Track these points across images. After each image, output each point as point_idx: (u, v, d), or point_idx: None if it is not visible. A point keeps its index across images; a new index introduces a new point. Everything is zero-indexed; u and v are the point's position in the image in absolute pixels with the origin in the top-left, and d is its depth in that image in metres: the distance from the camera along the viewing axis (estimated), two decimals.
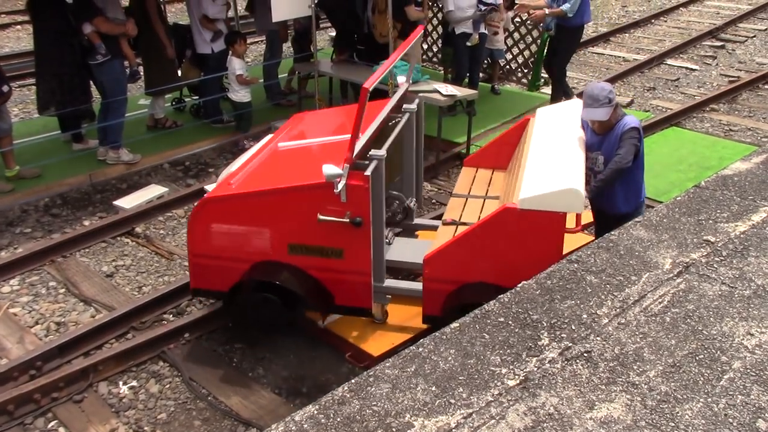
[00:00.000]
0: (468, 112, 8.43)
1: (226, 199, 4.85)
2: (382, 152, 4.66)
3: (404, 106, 5.65)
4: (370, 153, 4.67)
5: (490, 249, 4.48)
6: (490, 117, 9.17)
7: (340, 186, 4.46)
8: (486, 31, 9.31)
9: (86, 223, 6.89)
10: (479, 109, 9.07)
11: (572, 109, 5.43)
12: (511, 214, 4.36)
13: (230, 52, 8.36)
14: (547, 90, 10.30)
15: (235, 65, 8.28)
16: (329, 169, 4.38)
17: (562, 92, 8.91)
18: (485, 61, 10.07)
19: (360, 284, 4.81)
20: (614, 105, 4.90)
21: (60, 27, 7.39)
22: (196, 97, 9.40)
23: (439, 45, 10.87)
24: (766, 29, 13.54)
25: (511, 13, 9.94)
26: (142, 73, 8.60)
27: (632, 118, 5.03)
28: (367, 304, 4.86)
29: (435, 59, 11.28)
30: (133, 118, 8.58)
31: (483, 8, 8.98)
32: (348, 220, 4.57)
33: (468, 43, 9.07)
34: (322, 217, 4.60)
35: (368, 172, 4.51)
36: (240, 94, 8.43)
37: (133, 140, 8.16)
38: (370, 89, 4.28)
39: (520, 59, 10.55)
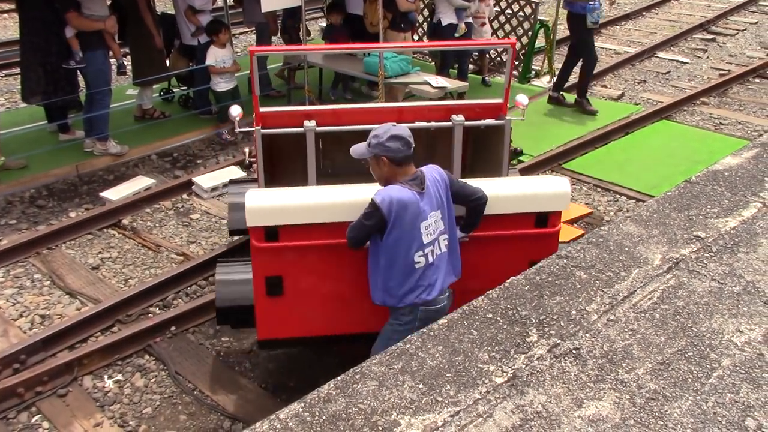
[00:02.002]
0: None
1: None
2: None
3: (453, 117, 5.02)
4: None
5: None
6: None
7: None
8: (472, 21, 9.27)
9: (72, 214, 6.82)
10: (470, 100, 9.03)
11: None
12: None
13: (211, 41, 8.26)
14: (538, 82, 10.29)
15: (208, 56, 8.18)
16: None
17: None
18: (474, 54, 10.03)
19: None
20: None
21: (46, 16, 7.29)
22: (185, 88, 9.31)
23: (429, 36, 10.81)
24: (756, 22, 13.54)
25: (491, 1, 9.89)
26: (129, 66, 8.50)
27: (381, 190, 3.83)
28: None
29: (426, 51, 11.22)
30: (120, 109, 8.50)
31: None
32: None
33: (456, 34, 9.03)
34: None
35: None
36: (218, 85, 8.35)
37: (120, 131, 8.08)
38: None
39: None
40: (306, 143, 4.95)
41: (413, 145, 3.81)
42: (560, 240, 5.40)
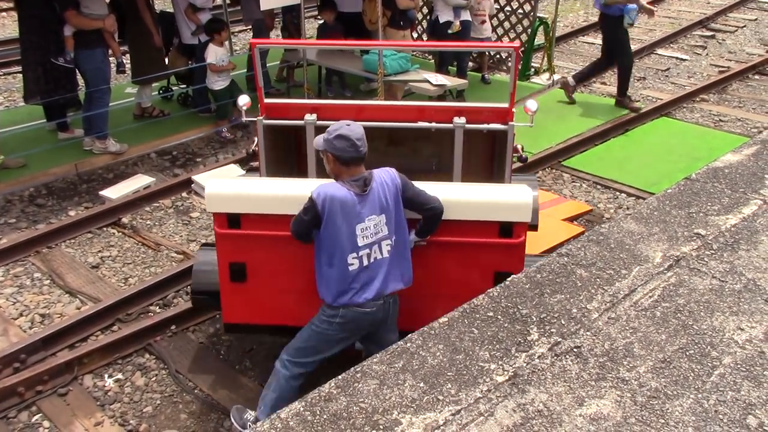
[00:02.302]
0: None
1: None
2: None
3: (455, 120, 4.96)
4: None
5: None
6: None
7: None
8: (470, 19, 9.26)
9: (72, 213, 6.81)
10: (469, 98, 9.03)
11: None
12: None
13: (211, 39, 8.25)
14: (538, 79, 10.28)
15: (208, 54, 8.18)
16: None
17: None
18: (474, 52, 10.02)
19: None
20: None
21: (45, 15, 7.28)
22: (184, 86, 9.30)
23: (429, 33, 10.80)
24: (756, 19, 13.53)
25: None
26: (128, 64, 8.49)
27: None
28: None
29: (425, 48, 11.21)
30: (119, 107, 8.49)
31: None
32: None
33: (449, 31, 9.03)
34: None
35: None
36: (215, 83, 8.34)
37: (119, 129, 8.08)
38: None
39: None
40: (313, 138, 4.97)
41: (363, 148, 3.75)
42: (562, 239, 5.40)
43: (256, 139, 5.03)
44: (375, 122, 5.09)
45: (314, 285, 3.97)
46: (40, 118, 8.12)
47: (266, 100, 5.06)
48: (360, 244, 3.75)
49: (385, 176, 3.84)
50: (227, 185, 4.29)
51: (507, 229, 4.09)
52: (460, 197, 4.12)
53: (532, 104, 4.86)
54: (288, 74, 9.80)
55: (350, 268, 3.77)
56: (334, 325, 3.88)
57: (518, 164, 5.49)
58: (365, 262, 3.78)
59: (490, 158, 5.37)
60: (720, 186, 4.40)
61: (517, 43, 4.78)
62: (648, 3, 8.97)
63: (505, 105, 4.89)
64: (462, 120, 4.88)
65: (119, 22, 7.84)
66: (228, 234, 4.19)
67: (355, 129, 3.77)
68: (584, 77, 9.41)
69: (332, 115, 5.05)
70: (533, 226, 5.35)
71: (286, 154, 5.50)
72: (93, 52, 7.43)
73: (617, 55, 8.98)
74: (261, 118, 4.92)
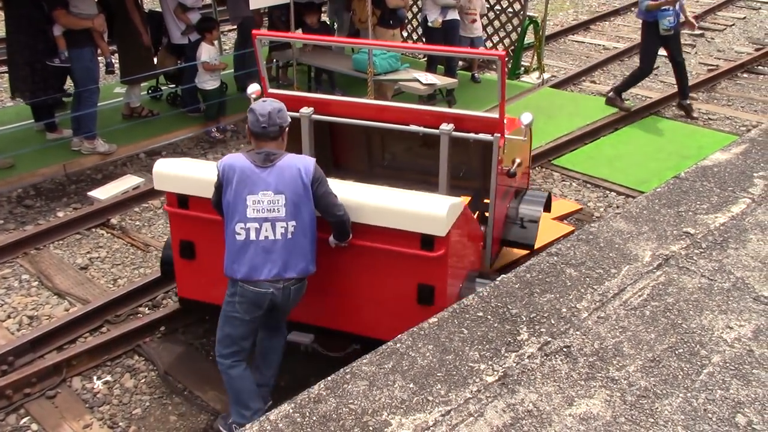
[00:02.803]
0: (448, 101, 8.40)
1: None
2: None
3: (441, 126, 4.83)
4: None
5: None
6: (471, 105, 9.10)
7: None
8: (457, 17, 9.25)
9: (60, 214, 6.77)
10: (459, 97, 9.03)
11: None
12: None
13: (203, 38, 8.22)
14: (528, 78, 10.28)
15: (203, 52, 8.16)
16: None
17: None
18: None
19: None
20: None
21: (33, 14, 7.24)
22: (173, 86, 9.26)
23: (419, 33, 10.81)
24: (744, 18, 13.58)
25: None
26: (117, 64, 8.44)
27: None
28: None
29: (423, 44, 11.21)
30: (108, 107, 8.44)
31: None
32: None
33: (429, 24, 9.03)
34: None
35: None
36: (207, 83, 8.31)
37: (108, 130, 8.03)
38: None
39: (500, 47, 10.51)
40: (307, 130, 5.05)
41: (265, 125, 3.79)
42: (552, 238, 5.38)
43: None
44: (366, 121, 5.10)
45: None
46: (28, 118, 8.06)
47: (270, 90, 5.17)
48: (248, 216, 3.77)
49: (299, 162, 3.86)
50: (175, 166, 4.43)
51: (428, 241, 3.94)
52: (377, 202, 4.05)
53: (525, 117, 4.75)
54: (278, 74, 9.77)
55: (237, 237, 3.80)
56: (235, 306, 3.92)
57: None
58: (253, 236, 3.78)
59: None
60: (709, 184, 4.41)
61: (503, 52, 4.64)
62: (693, 17, 8.90)
63: (496, 116, 4.75)
64: (449, 127, 4.77)
65: (108, 22, 7.80)
66: (177, 213, 4.37)
67: (264, 106, 3.83)
68: (625, 87, 9.24)
69: (334, 111, 5.09)
70: (527, 246, 5.34)
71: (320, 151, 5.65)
72: (81, 52, 7.39)
73: (641, 58, 8.93)
74: None
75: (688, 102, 8.96)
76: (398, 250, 4.02)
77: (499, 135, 4.68)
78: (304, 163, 3.86)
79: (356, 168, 6.07)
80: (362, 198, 4.06)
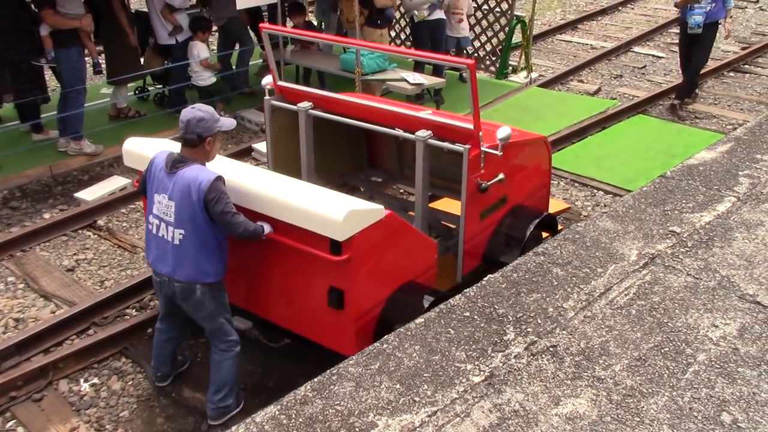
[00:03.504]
0: (436, 101, 8.40)
1: None
2: None
3: (417, 133, 4.71)
4: None
5: None
6: (459, 105, 9.12)
7: None
8: (443, 17, 9.26)
9: (46, 216, 6.73)
10: (447, 97, 9.04)
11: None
12: None
13: (196, 36, 8.21)
14: (516, 77, 10.30)
15: (201, 50, 8.15)
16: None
17: (692, 87, 9.11)
18: (451, 50, 10.01)
19: None
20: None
21: (19, 14, 7.20)
22: (160, 86, 9.22)
23: (407, 33, 10.81)
24: (731, 17, 13.62)
25: None
26: (104, 64, 8.41)
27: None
28: None
29: (403, 47, 11.20)
30: (95, 108, 8.40)
31: None
32: None
33: (415, 17, 9.05)
34: None
35: None
36: (205, 79, 8.31)
37: (95, 130, 7.99)
38: None
39: (488, 47, 10.52)
40: (304, 124, 5.12)
41: (183, 131, 3.91)
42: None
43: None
44: (357, 121, 5.09)
45: None
46: (14, 119, 8.01)
47: (279, 83, 5.34)
48: (154, 212, 4.05)
49: (195, 180, 3.87)
50: (144, 144, 4.50)
51: (336, 244, 3.88)
52: (292, 201, 4.01)
53: (502, 131, 4.48)
54: (264, 73, 9.73)
55: (149, 227, 4.11)
56: (155, 285, 4.27)
57: None
58: (154, 231, 4.06)
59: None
60: (695, 183, 4.43)
61: (473, 60, 4.42)
62: (728, 24, 8.89)
63: (470, 126, 4.58)
64: (425, 133, 4.67)
65: (94, 22, 7.76)
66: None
67: (187, 113, 3.92)
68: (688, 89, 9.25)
69: (342, 111, 5.12)
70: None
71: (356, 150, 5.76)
72: (68, 52, 7.35)
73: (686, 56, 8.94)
74: (268, 98, 5.18)
75: (679, 103, 9.00)
76: (310, 251, 4.00)
77: (469, 146, 4.52)
78: (199, 181, 3.86)
79: (388, 168, 6.16)
80: (281, 195, 4.06)
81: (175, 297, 4.14)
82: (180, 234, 3.94)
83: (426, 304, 4.01)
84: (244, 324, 4.63)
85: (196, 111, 3.92)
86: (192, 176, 3.86)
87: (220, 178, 3.87)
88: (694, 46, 8.68)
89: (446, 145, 4.63)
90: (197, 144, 3.94)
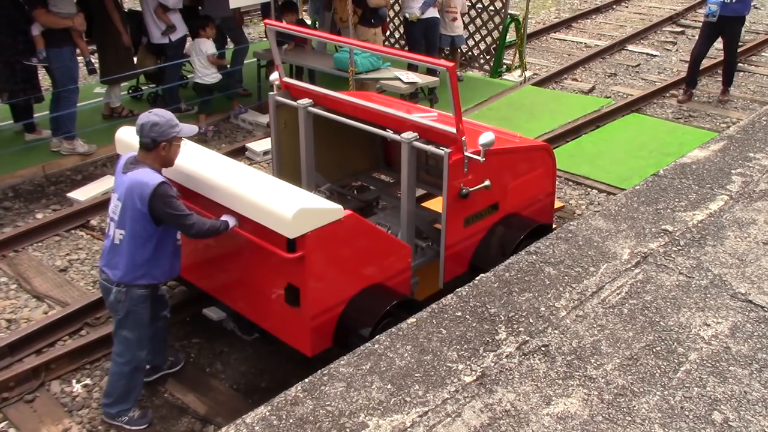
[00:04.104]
0: (430, 99, 8.39)
1: None
2: None
3: (402, 135, 4.68)
4: None
5: None
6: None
7: None
8: (437, 15, 9.25)
9: (39, 216, 6.70)
10: (441, 95, 9.02)
11: None
12: None
13: (200, 34, 8.22)
14: (510, 76, 10.30)
15: (207, 46, 8.19)
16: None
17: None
18: (445, 49, 10.01)
19: None
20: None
21: (11, 14, 7.17)
22: (153, 86, 9.20)
23: (401, 31, 10.80)
24: None
25: None
26: (97, 63, 8.38)
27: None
28: None
29: (397, 46, 11.20)
30: (88, 107, 8.37)
31: None
32: None
33: (407, 16, 9.05)
34: None
35: None
36: (209, 77, 8.30)
37: (88, 130, 7.96)
38: None
39: (482, 45, 10.52)
40: (303, 121, 5.12)
41: (139, 134, 3.97)
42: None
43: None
44: (355, 121, 5.07)
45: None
46: (7, 119, 7.98)
47: (285, 79, 5.40)
48: (109, 209, 4.13)
49: (139, 183, 3.91)
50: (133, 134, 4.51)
51: (290, 241, 3.86)
52: (244, 192, 4.06)
53: (485, 137, 4.37)
54: (259, 73, 9.71)
55: (109, 221, 4.17)
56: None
57: None
58: (107, 228, 4.15)
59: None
60: (687, 182, 4.43)
61: (452, 63, 4.33)
62: None
63: (453, 130, 4.49)
64: (411, 135, 4.62)
65: (87, 22, 7.73)
66: None
67: (143, 117, 3.98)
68: (727, 82, 9.45)
69: (345, 111, 5.15)
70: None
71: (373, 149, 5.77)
72: (61, 51, 7.33)
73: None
74: (273, 93, 5.23)
75: (724, 88, 9.31)
76: (268, 247, 3.99)
77: (450, 150, 4.44)
78: (144, 185, 3.89)
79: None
80: (241, 189, 4.09)
81: (104, 295, 4.21)
82: (120, 233, 4.02)
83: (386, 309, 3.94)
84: (217, 315, 4.68)
85: (151, 115, 3.98)
86: (137, 180, 3.92)
87: (164, 183, 3.91)
88: (725, 36, 8.93)
89: (429, 147, 4.57)
90: (151, 148, 3.99)
